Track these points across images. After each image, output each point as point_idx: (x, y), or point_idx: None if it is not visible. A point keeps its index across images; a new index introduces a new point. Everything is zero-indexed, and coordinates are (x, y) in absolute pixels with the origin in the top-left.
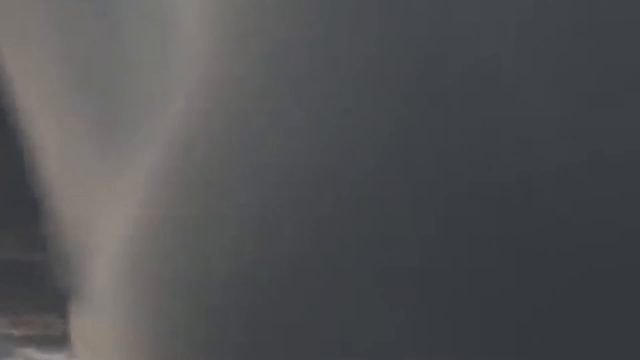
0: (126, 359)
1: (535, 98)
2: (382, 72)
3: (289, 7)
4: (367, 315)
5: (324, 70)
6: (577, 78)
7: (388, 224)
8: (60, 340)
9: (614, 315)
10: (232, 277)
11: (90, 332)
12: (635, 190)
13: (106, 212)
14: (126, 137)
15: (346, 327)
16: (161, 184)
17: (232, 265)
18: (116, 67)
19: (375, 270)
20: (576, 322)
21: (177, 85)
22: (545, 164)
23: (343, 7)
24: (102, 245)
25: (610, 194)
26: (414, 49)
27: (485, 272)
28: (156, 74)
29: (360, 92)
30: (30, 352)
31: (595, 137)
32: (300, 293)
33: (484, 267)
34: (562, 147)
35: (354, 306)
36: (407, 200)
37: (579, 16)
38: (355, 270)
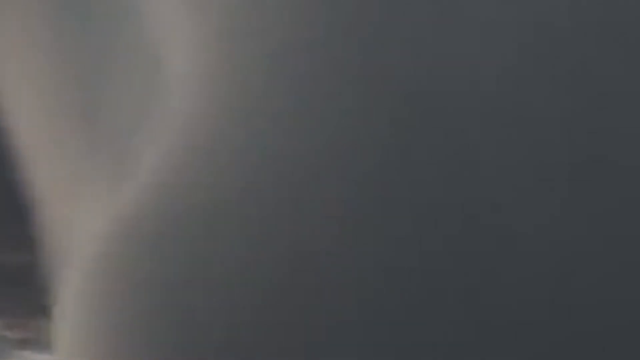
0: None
1: (535, 98)
2: (382, 72)
3: (289, 7)
4: (366, 315)
5: (324, 70)
6: (577, 78)
7: (388, 224)
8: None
9: (613, 315)
10: (231, 277)
11: (73, 334)
12: (635, 189)
13: (101, 212)
14: (125, 137)
15: (346, 327)
16: (161, 183)
17: (231, 265)
18: (115, 67)
19: (375, 270)
20: (575, 322)
21: (177, 85)
22: (545, 164)
23: (343, 7)
24: (91, 245)
25: (610, 194)
26: (414, 49)
27: (485, 272)
28: (155, 74)
29: (360, 92)
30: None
31: (595, 137)
32: (299, 293)
33: (484, 267)
34: (562, 147)
35: (353, 306)
36: (407, 200)
37: (579, 16)
38: (355, 270)
